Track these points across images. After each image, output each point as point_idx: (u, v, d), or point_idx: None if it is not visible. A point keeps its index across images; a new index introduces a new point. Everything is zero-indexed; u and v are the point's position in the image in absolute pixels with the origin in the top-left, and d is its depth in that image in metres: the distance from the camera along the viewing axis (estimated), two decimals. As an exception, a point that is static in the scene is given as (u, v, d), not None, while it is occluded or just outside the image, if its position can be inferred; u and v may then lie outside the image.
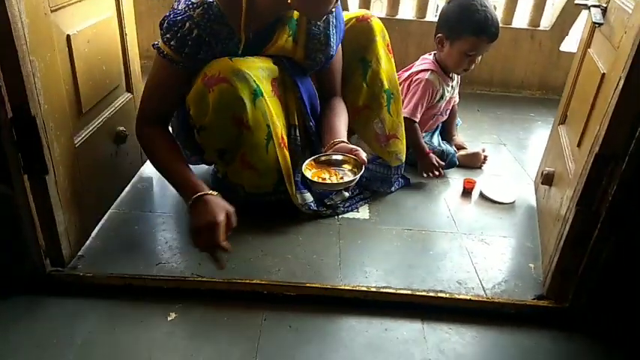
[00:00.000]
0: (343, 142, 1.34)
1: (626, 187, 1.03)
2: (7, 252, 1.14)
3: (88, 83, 1.25)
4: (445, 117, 1.92)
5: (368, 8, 2.59)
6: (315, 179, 1.26)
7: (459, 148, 1.92)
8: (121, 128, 1.45)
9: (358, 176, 1.25)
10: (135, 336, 1.09)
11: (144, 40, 1.69)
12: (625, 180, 1.02)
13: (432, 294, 1.22)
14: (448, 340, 1.13)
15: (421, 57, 1.86)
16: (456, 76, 1.87)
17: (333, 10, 1.26)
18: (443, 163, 1.75)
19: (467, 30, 1.66)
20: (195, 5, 1.19)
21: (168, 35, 1.20)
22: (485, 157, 1.89)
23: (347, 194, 1.54)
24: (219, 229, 1.10)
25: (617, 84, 1.00)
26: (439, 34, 1.75)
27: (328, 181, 1.26)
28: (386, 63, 1.52)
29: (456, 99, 1.96)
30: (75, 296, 1.17)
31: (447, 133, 1.97)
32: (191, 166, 1.32)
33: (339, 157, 1.31)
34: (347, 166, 1.30)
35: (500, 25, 2.63)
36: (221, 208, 1.14)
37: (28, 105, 1.01)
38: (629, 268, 1.12)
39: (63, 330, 1.09)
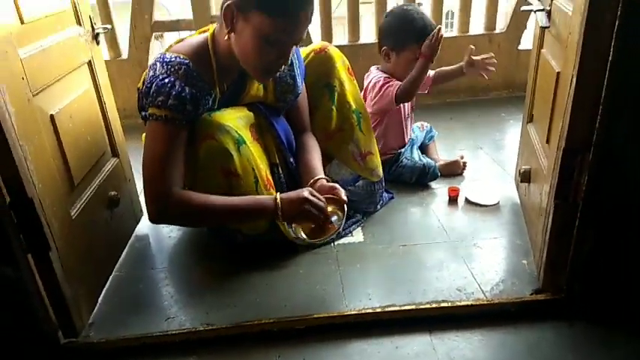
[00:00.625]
0: (321, 179, 1.42)
1: (596, 176, 1.09)
2: (21, 330, 1.17)
3: (76, 155, 1.30)
4: (410, 123, 1.98)
5: (330, 36, 2.70)
6: (307, 236, 1.36)
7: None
8: (113, 193, 1.49)
9: (343, 220, 1.34)
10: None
11: (119, 101, 1.74)
12: (594, 170, 1.09)
13: (434, 305, 1.27)
14: (457, 347, 1.17)
15: (366, 75, 1.93)
16: None
17: (277, 73, 1.34)
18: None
19: (410, 39, 1.76)
20: (175, 67, 1.24)
21: (161, 98, 1.23)
22: (464, 163, 1.96)
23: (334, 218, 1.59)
24: (313, 199, 1.27)
25: (571, 81, 1.07)
26: (384, 47, 1.84)
27: (320, 238, 1.37)
28: (349, 85, 1.61)
29: (430, 74, 2.01)
30: (92, 363, 1.20)
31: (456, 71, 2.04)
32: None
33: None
34: (330, 208, 1.35)
35: (458, 34, 2.77)
36: (298, 191, 1.29)
37: (24, 188, 1.06)
38: (614, 252, 1.18)
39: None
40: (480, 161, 2.09)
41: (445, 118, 2.54)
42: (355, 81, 1.64)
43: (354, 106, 1.60)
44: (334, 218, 1.34)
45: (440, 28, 1.72)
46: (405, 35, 1.78)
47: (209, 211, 1.30)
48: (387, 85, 1.79)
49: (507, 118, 2.53)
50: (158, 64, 1.27)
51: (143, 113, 1.31)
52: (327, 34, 2.70)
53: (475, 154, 2.14)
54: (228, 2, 1.19)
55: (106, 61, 1.64)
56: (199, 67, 1.27)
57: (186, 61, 1.25)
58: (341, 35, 2.91)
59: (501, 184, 1.86)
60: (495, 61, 1.89)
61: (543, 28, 1.44)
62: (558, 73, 1.23)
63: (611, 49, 0.98)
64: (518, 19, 2.72)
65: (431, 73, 2.01)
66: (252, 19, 1.18)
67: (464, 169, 1.96)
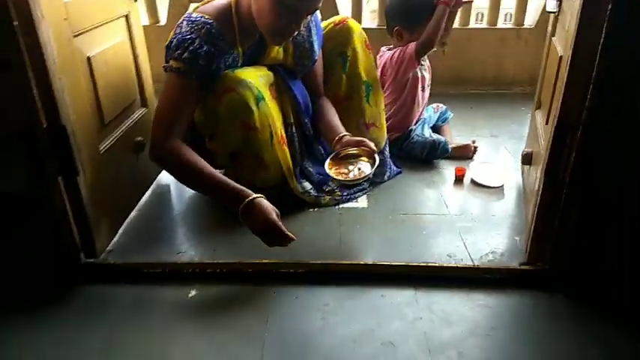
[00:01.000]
0: (346, 135, 1.52)
1: (584, 153, 1.16)
2: (47, 246, 1.31)
3: (108, 98, 1.43)
4: (426, 97, 2.05)
5: (360, 16, 2.77)
6: (340, 177, 1.44)
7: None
8: (140, 138, 1.62)
9: (376, 165, 1.44)
10: (161, 310, 1.25)
11: (154, 66, 1.86)
12: (582, 147, 1.15)
13: (422, 264, 1.36)
14: (438, 302, 1.26)
15: (379, 56, 1.99)
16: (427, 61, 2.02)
17: (293, 35, 1.41)
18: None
19: (423, 15, 1.81)
20: (199, 26, 1.36)
21: (179, 51, 1.34)
22: (476, 147, 2.03)
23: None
24: (278, 227, 1.28)
25: (567, 61, 1.14)
26: (396, 28, 1.88)
27: (351, 176, 1.45)
28: (363, 57, 1.69)
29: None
30: (107, 282, 1.33)
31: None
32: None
33: (354, 151, 1.49)
34: (363, 159, 1.48)
35: (487, 26, 2.81)
36: (271, 209, 1.30)
37: (60, 116, 1.19)
38: (598, 230, 1.24)
39: (99, 309, 1.25)
40: (491, 148, 2.14)
41: (466, 107, 2.59)
42: (372, 54, 1.73)
43: (364, 77, 1.70)
44: (365, 166, 1.46)
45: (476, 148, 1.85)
46: (416, 10, 1.82)
47: (193, 174, 1.35)
48: (406, 48, 1.85)
49: (527, 111, 2.53)
50: (185, 22, 1.39)
51: (164, 65, 1.42)
52: (358, 10, 2.78)
53: (488, 141, 2.20)
54: None
55: (144, 26, 1.77)
56: (222, 27, 1.38)
57: (210, 21, 1.36)
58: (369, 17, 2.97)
59: (508, 170, 1.92)
60: (472, 148, 1.98)
61: (556, 17, 1.49)
62: (561, 57, 1.29)
63: (603, 34, 1.04)
64: (547, 17, 2.73)
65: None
66: None
67: (474, 153, 2.03)
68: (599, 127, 1.12)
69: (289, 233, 1.30)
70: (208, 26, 1.36)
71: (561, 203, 1.22)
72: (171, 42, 1.39)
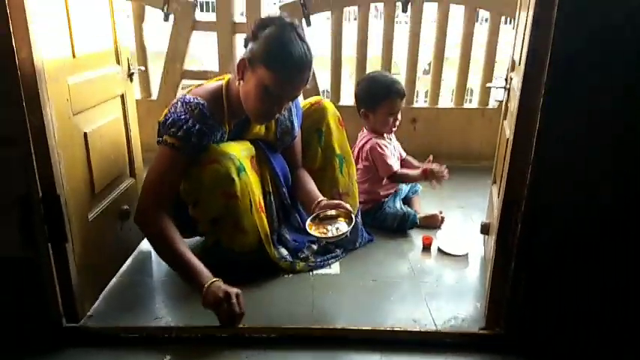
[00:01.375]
0: (323, 200, 1.67)
1: (527, 225, 1.29)
2: (31, 309, 1.37)
3: (100, 170, 1.55)
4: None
5: (338, 94, 3.00)
6: (320, 235, 1.57)
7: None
8: (125, 207, 1.72)
9: (353, 223, 1.57)
10: (137, 373, 1.30)
11: (144, 136, 2.00)
12: (525, 220, 1.29)
13: (388, 329, 1.44)
14: (402, 365, 1.34)
15: (359, 135, 2.23)
16: (391, 135, 2.24)
17: (275, 118, 1.59)
18: (440, 172, 2.08)
19: (380, 97, 2.08)
20: (192, 107, 1.52)
21: (173, 129, 1.49)
22: (443, 217, 2.17)
23: (315, 247, 1.80)
24: (234, 299, 1.40)
25: (512, 143, 1.30)
26: (362, 110, 2.15)
27: (330, 234, 1.57)
28: (337, 132, 1.87)
29: (402, 153, 2.29)
30: (87, 346, 1.38)
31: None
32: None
33: (333, 213, 1.63)
34: (341, 219, 1.61)
35: (454, 107, 3.04)
36: (222, 290, 1.41)
37: (55, 186, 1.30)
38: (547, 294, 1.36)
39: (77, 372, 1.30)
40: (457, 218, 2.29)
41: (435, 180, 2.76)
42: (344, 130, 1.91)
43: (337, 151, 1.87)
44: (343, 225, 1.58)
45: (446, 171, 2.09)
46: (375, 96, 2.10)
47: (167, 248, 1.49)
48: (384, 161, 2.08)
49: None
50: (179, 103, 1.55)
51: (158, 139, 1.57)
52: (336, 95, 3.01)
53: (454, 212, 2.34)
54: (243, 57, 1.49)
55: (137, 100, 1.93)
56: (213, 107, 1.55)
57: (203, 103, 1.53)
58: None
59: (473, 239, 2.04)
60: (446, 176, 2.12)
61: (506, 104, 1.68)
62: (508, 139, 1.46)
63: (537, 121, 1.21)
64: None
65: (403, 154, 2.30)
66: (257, 71, 1.46)
67: (442, 222, 2.16)
68: (539, 202, 1.27)
69: (237, 309, 1.40)
70: (201, 107, 1.52)
71: (511, 271, 1.34)
72: (166, 119, 1.53)
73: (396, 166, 2.12)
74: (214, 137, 1.58)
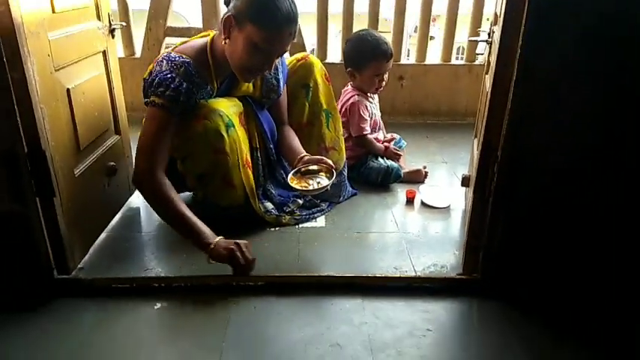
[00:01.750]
0: (306, 155, 1.69)
1: (503, 174, 1.33)
2: (23, 262, 1.41)
3: (84, 126, 1.56)
4: (381, 135, 2.27)
5: (325, 51, 2.99)
6: (301, 188, 1.60)
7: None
8: (112, 163, 1.74)
9: (334, 178, 1.61)
10: (129, 319, 1.36)
11: (128, 95, 1.99)
12: (502, 168, 1.33)
13: (370, 275, 1.50)
14: (382, 308, 1.40)
15: (343, 90, 2.25)
16: (375, 95, 2.25)
17: (258, 76, 1.60)
18: (400, 150, 2.18)
19: (366, 58, 2.09)
20: (177, 65, 1.51)
21: (161, 89, 1.48)
22: (426, 172, 2.21)
23: (300, 201, 1.86)
24: (244, 248, 1.47)
25: (488, 96, 1.33)
26: (348, 69, 2.16)
27: (311, 188, 1.61)
28: (323, 87, 1.89)
29: (379, 117, 2.31)
30: (79, 296, 1.43)
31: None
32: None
33: (315, 167, 1.67)
34: (322, 174, 1.65)
35: (441, 62, 3.04)
36: (227, 244, 1.47)
37: (40, 142, 1.31)
38: (522, 240, 1.41)
39: (70, 321, 1.35)
40: (441, 173, 2.34)
41: (422, 136, 2.80)
42: (330, 86, 1.92)
43: (324, 106, 1.89)
44: (324, 180, 1.62)
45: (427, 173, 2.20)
46: (362, 56, 2.11)
47: (166, 207, 1.50)
48: (359, 120, 2.12)
49: (477, 140, 2.77)
50: (164, 61, 1.54)
51: (145, 100, 1.57)
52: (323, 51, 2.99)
53: (439, 167, 2.39)
54: (228, 14, 1.48)
55: (120, 58, 1.93)
56: (198, 65, 1.55)
57: (188, 61, 1.52)
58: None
59: (455, 193, 2.10)
60: (424, 173, 2.21)
61: (489, 57, 1.70)
62: (488, 92, 1.49)
63: (515, 71, 1.23)
64: (496, 54, 2.98)
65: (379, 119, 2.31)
66: (245, 29, 1.46)
67: (425, 177, 2.21)
68: (515, 151, 1.30)
69: (248, 257, 1.47)
70: (186, 65, 1.51)
71: (487, 218, 1.40)
72: (152, 79, 1.51)
73: (367, 129, 2.14)
74: (201, 95, 1.58)
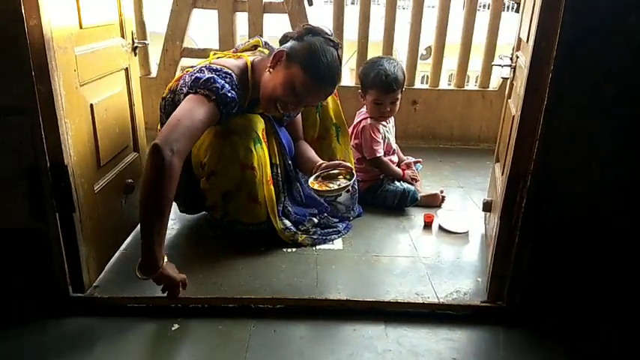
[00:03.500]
0: (324, 162, 1.73)
1: (532, 200, 1.31)
2: (38, 278, 1.38)
3: (106, 142, 1.54)
4: (395, 158, 2.25)
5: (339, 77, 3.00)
6: (323, 189, 1.64)
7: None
8: (130, 180, 1.73)
9: (354, 179, 1.65)
10: (145, 340, 1.32)
11: (145, 114, 1.98)
12: (531, 194, 1.31)
13: (392, 300, 1.47)
14: (406, 335, 1.36)
15: (357, 112, 2.26)
16: (390, 119, 2.24)
17: (277, 112, 1.63)
18: (417, 173, 2.20)
19: (367, 85, 2.12)
20: (224, 74, 1.51)
21: (212, 85, 1.44)
22: (443, 197, 2.19)
23: (316, 220, 1.84)
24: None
25: (517, 120, 1.31)
26: (359, 91, 2.19)
27: (333, 188, 1.64)
28: (332, 103, 1.94)
29: (393, 142, 2.29)
30: (94, 315, 1.40)
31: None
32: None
33: (335, 172, 1.70)
34: (341, 177, 1.68)
35: (454, 88, 3.04)
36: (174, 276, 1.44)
37: (62, 156, 1.30)
38: (549, 268, 1.38)
39: (84, 340, 1.31)
40: (458, 197, 2.31)
41: (435, 160, 2.78)
42: (339, 101, 1.96)
43: (334, 120, 1.94)
44: (344, 181, 1.66)
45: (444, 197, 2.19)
46: (366, 83, 2.13)
47: (160, 192, 1.31)
48: (372, 143, 2.11)
49: (491, 165, 2.75)
50: (205, 69, 1.52)
51: (188, 90, 1.48)
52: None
53: (455, 192, 2.37)
54: (283, 49, 1.55)
55: (138, 76, 1.92)
56: (239, 82, 1.57)
57: (232, 73, 1.55)
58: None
59: (473, 218, 2.07)
60: (440, 197, 2.19)
61: (511, 82, 1.69)
62: (513, 116, 1.47)
63: (545, 97, 1.22)
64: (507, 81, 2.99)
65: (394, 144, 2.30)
66: (292, 68, 1.53)
67: (442, 202, 2.18)
68: (544, 177, 1.28)
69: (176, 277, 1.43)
70: (231, 76, 1.54)
71: (515, 246, 1.37)
72: (196, 79, 1.47)
73: (380, 151, 2.13)
74: (237, 108, 1.58)
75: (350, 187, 1.67)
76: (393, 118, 2.27)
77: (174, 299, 1.43)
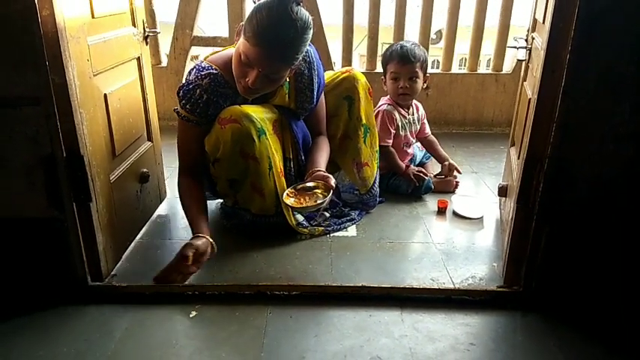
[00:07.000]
0: (320, 170, 1.63)
1: (549, 183, 1.30)
2: (57, 268, 1.40)
3: (120, 132, 1.55)
4: (412, 149, 2.23)
5: (350, 62, 2.98)
6: (292, 205, 1.53)
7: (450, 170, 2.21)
8: (144, 170, 1.74)
9: (327, 199, 1.51)
10: (163, 328, 1.33)
11: (156, 103, 1.99)
12: (548, 178, 1.29)
13: (407, 286, 1.47)
14: (422, 320, 1.36)
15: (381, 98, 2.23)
16: (415, 109, 2.21)
17: (251, 90, 1.53)
18: (422, 170, 2.13)
19: (387, 61, 2.12)
20: (203, 76, 1.55)
21: (183, 101, 1.57)
22: (457, 182, 2.17)
23: (327, 214, 1.83)
24: (189, 261, 1.44)
25: (534, 103, 1.30)
26: (382, 78, 2.18)
27: (304, 205, 1.53)
28: (365, 103, 1.84)
29: (427, 131, 2.27)
30: (112, 303, 1.41)
31: (438, 158, 2.28)
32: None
33: (312, 184, 1.58)
34: (318, 191, 1.56)
35: (467, 71, 3.01)
36: (188, 246, 1.46)
37: (78, 146, 1.30)
38: (567, 252, 1.37)
39: (104, 327, 1.33)
40: (472, 183, 2.29)
41: (448, 145, 2.75)
42: (372, 102, 1.89)
43: (364, 121, 1.85)
44: (319, 198, 1.53)
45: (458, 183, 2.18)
46: (384, 59, 2.14)
47: (181, 203, 1.65)
48: (382, 130, 2.08)
49: (505, 150, 2.70)
50: (194, 70, 1.58)
51: (174, 108, 1.62)
52: (347, 58, 2.98)
53: (469, 177, 2.35)
54: (241, 24, 1.49)
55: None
56: (228, 75, 1.56)
57: (216, 72, 1.55)
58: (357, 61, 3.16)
59: (488, 203, 2.05)
60: (454, 183, 2.19)
61: (527, 64, 1.67)
62: (529, 99, 1.45)
63: (563, 79, 1.20)
64: (522, 64, 2.95)
65: (427, 131, 2.31)
66: (241, 40, 1.47)
67: (456, 187, 2.17)
68: (562, 159, 1.27)
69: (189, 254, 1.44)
70: (212, 76, 1.55)
71: (532, 230, 1.35)
72: (180, 89, 1.58)
73: (388, 141, 2.10)
74: (231, 101, 1.59)
75: (325, 203, 1.52)
76: (420, 107, 2.25)
77: (178, 275, 1.47)
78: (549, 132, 1.26)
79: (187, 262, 1.43)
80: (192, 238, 1.51)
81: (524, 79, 1.72)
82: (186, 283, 1.49)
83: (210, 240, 1.52)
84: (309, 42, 1.51)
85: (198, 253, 1.46)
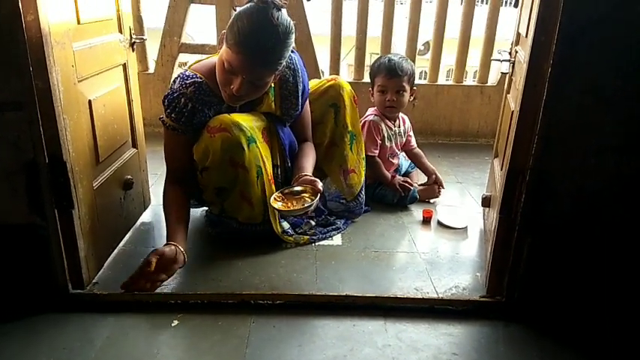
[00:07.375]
0: (306, 175, 1.64)
1: (531, 194, 1.31)
2: (37, 275, 1.38)
3: (104, 138, 1.54)
4: (397, 160, 2.25)
5: (337, 72, 2.99)
6: (280, 208, 1.52)
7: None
8: (128, 177, 1.72)
9: (315, 202, 1.51)
10: (145, 338, 1.31)
11: (143, 110, 1.97)
12: (530, 189, 1.31)
13: (391, 295, 1.47)
14: (405, 330, 1.36)
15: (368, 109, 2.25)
16: (402, 122, 2.22)
17: (235, 98, 1.52)
18: (408, 180, 2.14)
19: (374, 74, 2.14)
20: (188, 84, 1.55)
21: (168, 110, 1.57)
22: (439, 188, 2.18)
23: (313, 222, 1.83)
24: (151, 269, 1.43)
25: (516, 115, 1.31)
26: (370, 89, 2.20)
27: (291, 208, 1.52)
28: (351, 110, 1.86)
29: (413, 143, 2.29)
30: (94, 312, 1.39)
31: (425, 172, 2.28)
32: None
33: (299, 188, 1.58)
34: (306, 195, 1.57)
35: (453, 83, 3.04)
36: (153, 252, 1.45)
37: (61, 152, 1.29)
38: (549, 263, 1.39)
39: (85, 336, 1.31)
40: (456, 193, 2.31)
41: (434, 155, 2.77)
42: (357, 109, 1.90)
43: (350, 128, 1.86)
44: (307, 201, 1.53)
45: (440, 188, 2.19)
46: (372, 72, 2.17)
47: (164, 207, 1.65)
48: (367, 138, 2.09)
49: (490, 161, 2.75)
50: (178, 79, 1.58)
51: (160, 116, 1.62)
52: (335, 66, 3.00)
53: (454, 187, 2.37)
54: (224, 32, 1.48)
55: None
56: (213, 83, 1.56)
57: (200, 80, 1.56)
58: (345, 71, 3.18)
59: (472, 213, 2.07)
60: (438, 196, 2.21)
61: (511, 77, 1.69)
62: (512, 112, 1.47)
63: (545, 93, 1.22)
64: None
65: (413, 144, 2.32)
66: (224, 48, 1.46)
67: (439, 193, 2.18)
68: (544, 172, 1.29)
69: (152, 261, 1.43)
70: (197, 84, 1.55)
71: (514, 240, 1.37)
72: (165, 98, 1.58)
73: (374, 151, 2.11)
74: (215, 110, 1.59)
75: (313, 206, 1.52)
76: (407, 120, 2.27)
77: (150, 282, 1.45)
78: (531, 144, 1.28)
79: (150, 268, 1.42)
80: (163, 246, 1.50)
81: (508, 92, 1.74)
82: (170, 291, 1.48)
83: (180, 248, 1.50)
84: (291, 46, 1.52)
85: (164, 259, 1.44)
